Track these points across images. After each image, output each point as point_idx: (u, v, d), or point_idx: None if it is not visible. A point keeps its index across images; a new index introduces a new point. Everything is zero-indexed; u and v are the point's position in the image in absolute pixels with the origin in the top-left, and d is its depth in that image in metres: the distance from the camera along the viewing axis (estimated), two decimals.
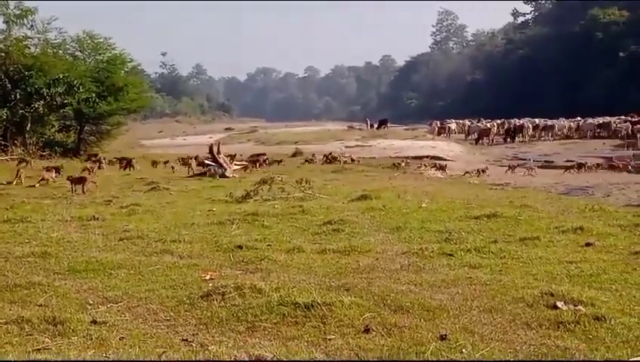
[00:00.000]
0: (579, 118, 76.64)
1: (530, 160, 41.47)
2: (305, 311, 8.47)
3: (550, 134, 69.76)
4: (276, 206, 19.49)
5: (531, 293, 9.26)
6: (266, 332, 8.03)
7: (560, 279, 10.27)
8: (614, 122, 70.66)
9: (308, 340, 7.70)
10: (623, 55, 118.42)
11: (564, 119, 75.93)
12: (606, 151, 52.85)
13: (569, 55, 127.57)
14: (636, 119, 69.22)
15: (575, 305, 8.67)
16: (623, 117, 72.83)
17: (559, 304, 8.72)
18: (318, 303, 8.58)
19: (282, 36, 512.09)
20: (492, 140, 66.34)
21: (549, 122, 73.38)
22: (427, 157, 39.58)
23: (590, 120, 74.20)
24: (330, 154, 40.92)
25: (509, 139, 66.85)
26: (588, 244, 12.86)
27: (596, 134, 68.97)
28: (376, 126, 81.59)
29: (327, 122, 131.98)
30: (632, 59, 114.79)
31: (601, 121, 72.41)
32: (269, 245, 13.29)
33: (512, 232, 14.47)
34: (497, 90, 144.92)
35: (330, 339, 7.71)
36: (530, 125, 71.68)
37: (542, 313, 8.53)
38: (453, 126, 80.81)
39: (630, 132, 64.62)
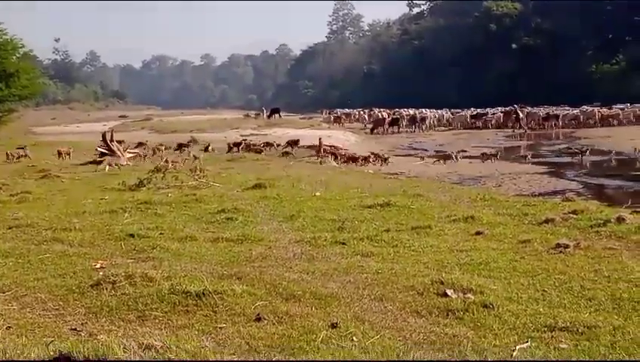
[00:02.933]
0: (472, 109, 78.20)
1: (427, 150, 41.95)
2: (196, 299, 8.42)
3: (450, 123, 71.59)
4: (170, 194, 19.38)
5: (422, 281, 9.34)
6: (157, 321, 7.96)
7: (450, 267, 10.37)
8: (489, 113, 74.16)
9: (199, 329, 7.66)
10: (516, 47, 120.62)
11: (447, 110, 77.60)
12: (499, 141, 53.74)
13: (464, 46, 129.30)
14: (506, 110, 72.66)
15: (464, 293, 8.79)
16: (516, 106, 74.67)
17: (449, 292, 8.83)
18: (209, 292, 8.53)
19: (178, 24, 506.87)
20: (386, 130, 66.93)
21: (424, 112, 74.86)
22: (323, 146, 39.62)
23: (462, 111, 76.25)
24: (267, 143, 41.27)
25: (411, 129, 68.30)
26: (478, 233, 13.03)
27: (471, 125, 71.35)
28: (267, 115, 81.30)
29: (224, 110, 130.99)
30: (524, 50, 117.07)
31: (475, 112, 75.37)
32: (161, 233, 13.20)
33: (405, 221, 14.60)
34: (393, 80, 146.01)
35: (221, 328, 7.68)
36: (405, 116, 73.94)
37: (432, 301, 8.62)
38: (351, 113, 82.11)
39: (501, 122, 69.13)
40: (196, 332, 7.54)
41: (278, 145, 40.70)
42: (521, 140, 56.09)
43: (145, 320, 8.00)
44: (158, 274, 9.42)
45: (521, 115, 68.72)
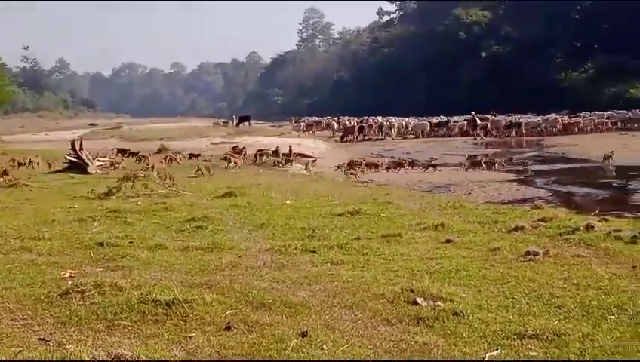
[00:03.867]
0: (440, 117, 78.73)
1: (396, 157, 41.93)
2: (166, 308, 8.39)
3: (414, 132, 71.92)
4: (139, 203, 19.28)
5: (392, 289, 9.36)
6: (126, 330, 7.92)
7: (420, 275, 10.40)
8: (452, 121, 75.33)
9: (168, 338, 7.64)
10: (485, 55, 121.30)
11: (413, 118, 78.12)
12: (467, 149, 53.90)
13: (433, 54, 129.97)
14: (467, 118, 73.37)
15: (434, 301, 8.82)
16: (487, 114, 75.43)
17: (419, 300, 8.85)
18: (179, 300, 8.50)
19: (148, 32, 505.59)
20: (356, 138, 67.07)
21: (392, 120, 75.36)
22: (292, 153, 39.55)
23: (424, 119, 77.65)
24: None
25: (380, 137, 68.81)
26: (448, 241, 13.07)
27: (433, 133, 72.00)
28: (236, 123, 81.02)
29: (194, 119, 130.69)
30: (494, 58, 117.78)
31: (438, 120, 76.36)
32: (130, 242, 13.12)
33: (375, 229, 14.62)
34: (363, 88, 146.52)
35: (190, 337, 7.66)
36: (373, 123, 74.72)
37: (402, 309, 8.64)
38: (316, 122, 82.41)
39: (465, 130, 69.83)
40: (166, 342, 7.51)
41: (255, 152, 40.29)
42: (489, 148, 56.31)
43: (114, 329, 7.96)
44: (127, 283, 9.39)
45: (478, 123, 69.82)
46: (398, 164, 35.30)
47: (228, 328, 7.90)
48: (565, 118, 72.43)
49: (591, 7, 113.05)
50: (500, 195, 25.59)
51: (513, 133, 68.08)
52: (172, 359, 7.03)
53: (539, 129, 69.65)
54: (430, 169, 34.64)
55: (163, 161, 34.28)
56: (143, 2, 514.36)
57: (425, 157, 39.97)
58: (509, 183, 29.49)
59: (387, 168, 34.91)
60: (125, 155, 37.57)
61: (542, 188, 28.65)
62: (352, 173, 32.47)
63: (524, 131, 67.81)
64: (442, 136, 69.40)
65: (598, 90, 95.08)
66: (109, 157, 34.86)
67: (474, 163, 36.01)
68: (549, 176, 33.21)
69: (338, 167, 32.70)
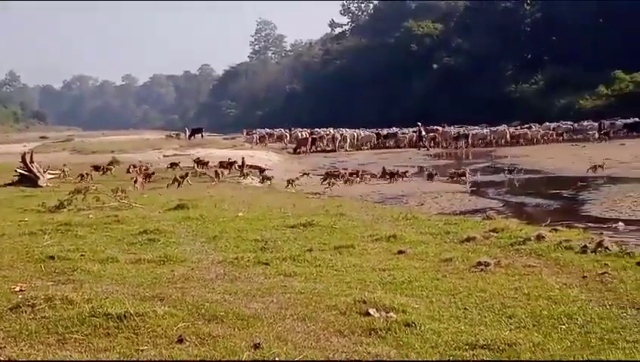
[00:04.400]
0: (394, 128, 79.17)
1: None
2: (117, 322, 8.35)
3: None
4: (91, 216, 19.13)
5: (345, 301, 9.39)
6: (77, 344, 7.88)
7: (373, 286, 10.45)
8: (400, 132, 76.01)
9: (120, 351, 7.61)
10: (437, 66, 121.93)
11: (363, 129, 78.45)
12: (419, 160, 54.15)
13: (386, 66, 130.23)
14: (414, 129, 74.25)
15: (387, 312, 8.86)
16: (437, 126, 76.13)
17: (371, 311, 8.88)
18: (130, 314, 8.47)
19: (100, 44, 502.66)
20: (309, 150, 67.11)
21: (343, 132, 76.13)
22: (245, 166, 39.46)
23: (372, 131, 77.83)
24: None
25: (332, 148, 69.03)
26: (400, 252, 13.14)
27: (381, 144, 72.76)
28: (188, 135, 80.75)
29: (146, 131, 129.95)
30: (445, 70, 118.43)
31: (386, 132, 76.70)
32: (82, 255, 13.01)
33: (328, 241, 14.65)
34: (316, 100, 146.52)
35: (142, 350, 7.64)
36: (325, 135, 74.98)
37: (354, 320, 8.67)
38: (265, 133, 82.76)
39: (415, 141, 70.36)
40: (117, 355, 7.50)
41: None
42: (441, 160, 56.64)
43: (65, 343, 7.92)
44: (78, 297, 9.33)
45: (424, 134, 70.70)
46: (391, 174, 35.27)
47: (180, 341, 7.87)
48: (512, 129, 73.89)
49: (541, 19, 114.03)
50: (453, 206, 25.70)
51: (462, 144, 69.15)
52: None
53: (487, 140, 71.14)
54: (400, 179, 34.73)
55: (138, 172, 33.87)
56: (95, 15, 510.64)
57: (378, 169, 39.95)
58: (461, 194, 29.60)
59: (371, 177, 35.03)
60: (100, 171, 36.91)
61: (493, 198, 28.82)
62: (330, 184, 32.57)
63: (470, 142, 69.25)
64: (390, 148, 69.78)
65: (549, 101, 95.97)
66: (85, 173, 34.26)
67: (429, 175, 36.19)
68: (501, 186, 33.42)
69: (288, 182, 32.55)
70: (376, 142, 73.05)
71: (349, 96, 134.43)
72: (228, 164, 38.09)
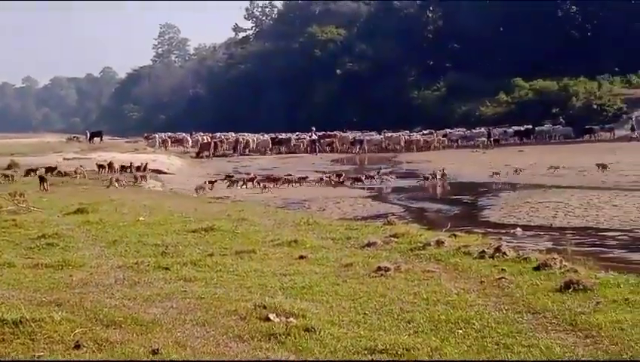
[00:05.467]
0: (294, 134, 79.62)
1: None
2: (13, 327, 8.20)
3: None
4: None
5: (245, 306, 9.38)
6: None
7: (274, 291, 10.46)
8: (294, 138, 76.93)
9: (15, 358, 7.47)
10: (340, 72, 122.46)
11: (262, 134, 78.79)
12: (322, 166, 54.33)
13: (290, 71, 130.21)
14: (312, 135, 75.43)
15: (287, 317, 8.86)
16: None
17: (271, 316, 8.88)
18: (26, 319, 8.32)
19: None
20: (212, 154, 66.90)
21: (246, 136, 77.56)
22: (147, 170, 39.12)
23: (263, 136, 78.37)
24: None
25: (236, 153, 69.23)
26: (301, 257, 13.17)
27: (275, 149, 73.38)
28: (87, 138, 79.55)
29: (47, 134, 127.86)
30: (348, 76, 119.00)
31: (278, 137, 77.49)
32: None
33: (229, 245, 14.64)
34: (220, 104, 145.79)
35: (38, 356, 7.51)
36: (225, 140, 76.41)
37: (254, 325, 8.66)
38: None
39: (307, 147, 72.25)
40: None
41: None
42: (346, 165, 56.95)
43: None
44: None
45: (315, 138, 73.19)
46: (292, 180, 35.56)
47: (77, 347, 7.77)
48: (406, 135, 76.17)
49: (442, 26, 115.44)
50: (355, 211, 25.88)
51: (357, 150, 71.11)
52: None
53: (381, 146, 73.90)
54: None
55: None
56: None
57: (282, 174, 39.99)
58: (363, 199, 29.83)
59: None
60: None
61: (395, 204, 29.10)
62: (267, 188, 33.07)
63: (366, 148, 71.49)
64: (282, 153, 70.48)
65: (450, 108, 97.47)
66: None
67: (332, 180, 36.45)
68: (403, 192, 33.71)
69: (196, 189, 32.37)
70: (270, 147, 73.56)
71: (253, 100, 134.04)
72: (131, 168, 37.80)
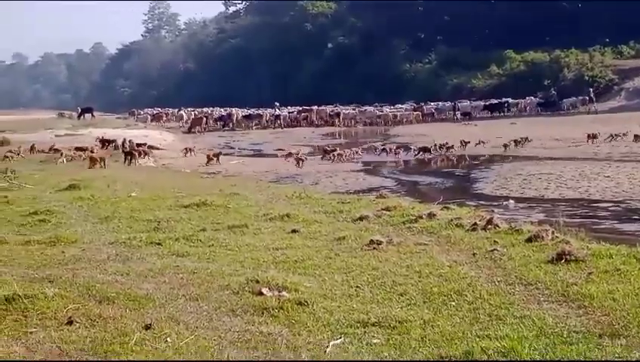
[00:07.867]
0: (289, 108, 79.53)
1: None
2: (5, 304, 8.16)
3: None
4: None
5: (237, 280, 9.38)
6: None
7: (266, 266, 10.47)
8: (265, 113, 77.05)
9: (8, 334, 7.45)
10: (331, 46, 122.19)
11: (254, 109, 79.02)
12: (315, 139, 54.29)
13: (280, 45, 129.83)
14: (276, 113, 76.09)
15: (279, 291, 8.87)
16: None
17: (264, 290, 8.89)
18: (19, 296, 8.28)
19: None
20: (204, 129, 66.87)
21: (232, 111, 77.52)
22: (140, 145, 39.07)
23: (240, 110, 79.07)
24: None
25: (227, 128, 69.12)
26: (294, 231, 13.18)
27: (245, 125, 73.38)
28: (77, 114, 79.31)
29: (37, 111, 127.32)
30: (338, 50, 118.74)
31: (247, 113, 78.52)
32: None
33: (221, 220, 14.64)
34: (210, 78, 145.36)
35: (31, 332, 7.50)
36: (214, 115, 77.26)
37: (247, 299, 8.67)
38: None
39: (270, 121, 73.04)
40: (5, 338, 7.34)
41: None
42: (337, 138, 56.91)
43: None
44: None
45: (278, 113, 74.33)
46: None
47: (70, 323, 7.75)
48: (386, 109, 77.58)
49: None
50: (347, 185, 25.88)
51: (337, 122, 71.49)
52: (11, 355, 6.86)
53: (356, 119, 74.62)
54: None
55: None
56: None
57: (273, 148, 39.98)
58: (355, 173, 29.83)
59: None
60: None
61: (387, 177, 29.11)
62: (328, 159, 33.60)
63: (342, 121, 71.96)
64: (260, 128, 70.61)
65: (442, 80, 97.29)
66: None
67: (326, 152, 36.42)
68: (395, 165, 33.72)
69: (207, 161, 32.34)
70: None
71: (244, 75, 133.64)
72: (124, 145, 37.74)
